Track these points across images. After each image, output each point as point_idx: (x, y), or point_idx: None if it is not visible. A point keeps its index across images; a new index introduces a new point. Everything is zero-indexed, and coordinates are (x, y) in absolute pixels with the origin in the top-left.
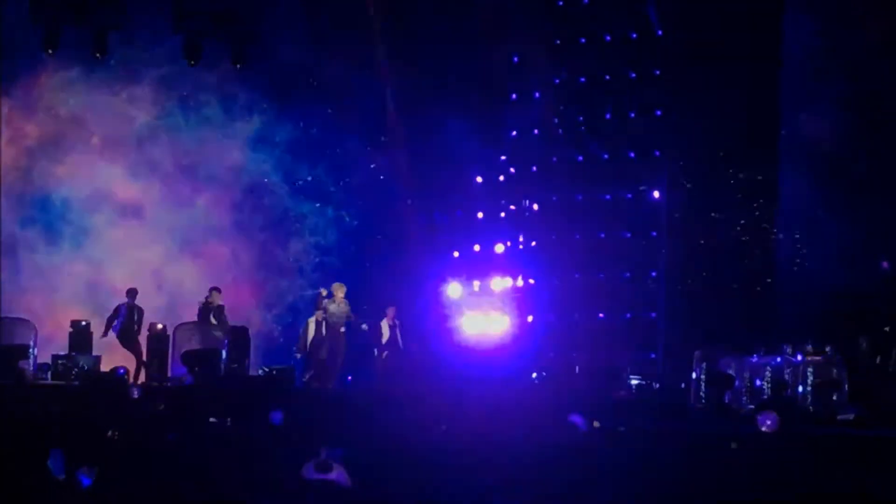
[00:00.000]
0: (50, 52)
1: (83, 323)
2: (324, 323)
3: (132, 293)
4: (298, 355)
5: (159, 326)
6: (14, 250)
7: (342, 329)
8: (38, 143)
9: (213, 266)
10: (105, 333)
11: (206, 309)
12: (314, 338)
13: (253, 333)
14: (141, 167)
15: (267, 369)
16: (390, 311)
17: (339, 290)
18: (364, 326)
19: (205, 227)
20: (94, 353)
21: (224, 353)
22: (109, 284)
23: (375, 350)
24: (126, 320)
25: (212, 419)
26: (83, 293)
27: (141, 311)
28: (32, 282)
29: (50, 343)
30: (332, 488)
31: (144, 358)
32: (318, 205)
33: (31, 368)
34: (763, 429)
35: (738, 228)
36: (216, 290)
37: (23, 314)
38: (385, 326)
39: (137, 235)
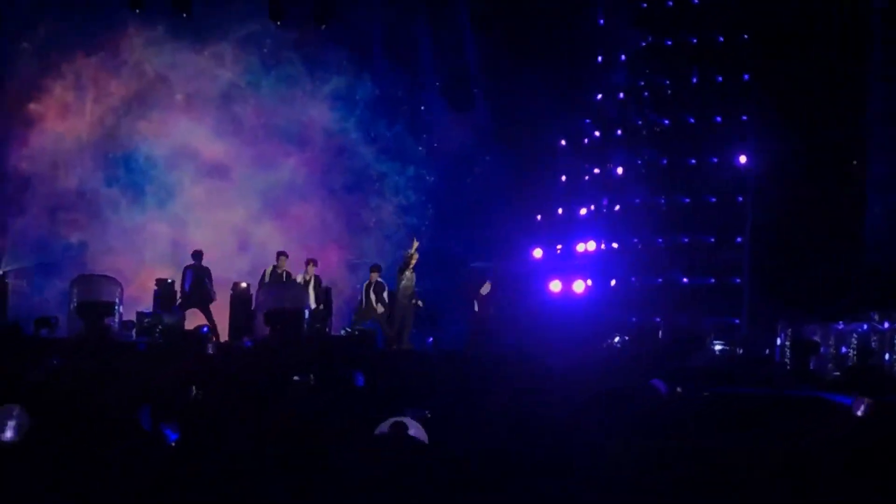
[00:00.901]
0: (137, 10)
1: (168, 281)
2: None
3: (198, 255)
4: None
5: (243, 285)
6: (99, 209)
7: (411, 296)
8: (123, 101)
9: (297, 226)
10: (182, 304)
11: (274, 275)
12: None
13: (336, 295)
14: (224, 125)
15: (349, 330)
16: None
17: (412, 259)
18: (420, 303)
19: (287, 187)
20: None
21: (307, 313)
22: (193, 244)
23: (476, 305)
24: (194, 283)
25: (295, 377)
26: (167, 253)
27: (209, 273)
28: (118, 241)
29: (135, 303)
30: (411, 444)
31: (228, 317)
32: (398, 164)
33: (116, 325)
34: (857, 413)
35: (827, 193)
36: (283, 255)
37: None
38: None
39: (222, 195)
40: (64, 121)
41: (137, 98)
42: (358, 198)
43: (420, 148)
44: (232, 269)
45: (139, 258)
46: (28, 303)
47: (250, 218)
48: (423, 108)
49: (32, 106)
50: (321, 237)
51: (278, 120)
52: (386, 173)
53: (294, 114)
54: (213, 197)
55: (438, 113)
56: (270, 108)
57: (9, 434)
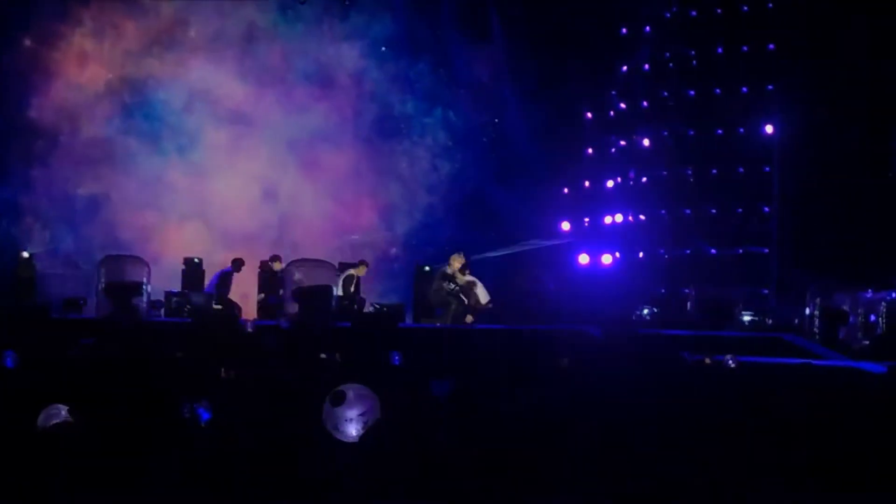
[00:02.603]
0: None
1: (195, 260)
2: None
3: (238, 264)
4: None
5: (271, 264)
6: (121, 160)
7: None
8: (139, 44)
9: (326, 175)
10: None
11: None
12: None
13: (375, 256)
14: (243, 68)
15: (378, 306)
16: None
17: (457, 262)
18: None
19: (312, 131)
20: (207, 290)
21: (335, 290)
22: (217, 195)
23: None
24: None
25: (322, 356)
26: (191, 205)
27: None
28: (141, 193)
29: (158, 258)
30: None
31: (257, 296)
32: (424, 105)
33: (145, 305)
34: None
35: (853, 161)
36: (363, 264)
37: (133, 231)
38: None
39: (244, 143)
40: (83, 69)
41: (156, 41)
42: (387, 142)
43: (443, 88)
44: (258, 220)
45: (162, 211)
46: (56, 282)
47: (276, 167)
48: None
49: (50, 54)
50: (353, 187)
51: (298, 62)
52: (413, 115)
53: (314, 55)
54: (236, 145)
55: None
56: (290, 50)
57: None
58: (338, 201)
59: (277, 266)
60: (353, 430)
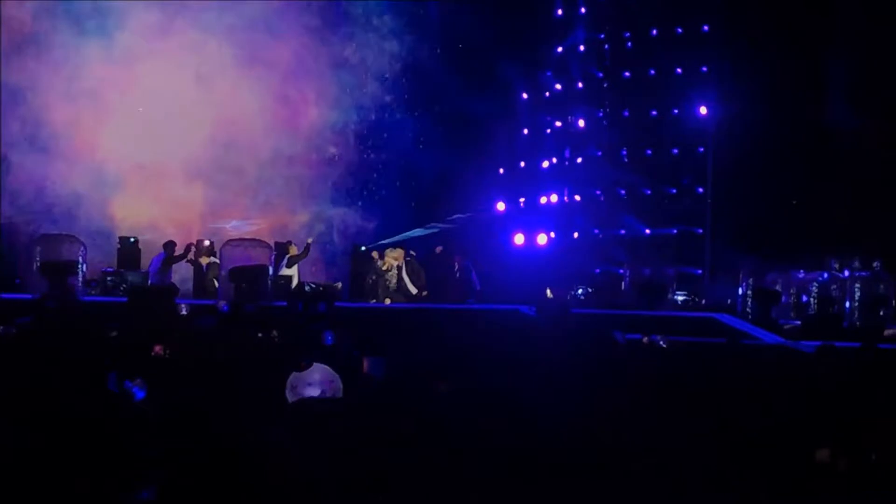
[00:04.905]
0: None
1: (131, 240)
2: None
3: (171, 247)
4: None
5: (206, 243)
6: (37, 43)
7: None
8: None
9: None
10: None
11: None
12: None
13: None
14: None
15: (314, 285)
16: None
17: (391, 256)
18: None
19: (246, 21)
20: (143, 269)
21: (271, 270)
22: (148, 90)
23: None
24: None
25: (259, 335)
26: (117, 98)
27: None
28: (61, 85)
29: (80, 160)
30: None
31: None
32: None
33: (80, 284)
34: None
35: (786, 142)
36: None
37: (53, 126)
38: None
39: (176, 26)
40: None
41: None
42: (329, 29)
43: None
44: (190, 117)
45: (85, 103)
46: None
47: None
48: None
49: None
50: (302, 85)
51: None
52: None
53: None
54: (167, 29)
55: None
56: None
57: None
58: (278, 95)
59: (205, 261)
60: None
